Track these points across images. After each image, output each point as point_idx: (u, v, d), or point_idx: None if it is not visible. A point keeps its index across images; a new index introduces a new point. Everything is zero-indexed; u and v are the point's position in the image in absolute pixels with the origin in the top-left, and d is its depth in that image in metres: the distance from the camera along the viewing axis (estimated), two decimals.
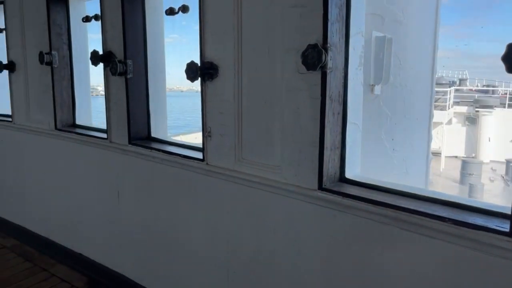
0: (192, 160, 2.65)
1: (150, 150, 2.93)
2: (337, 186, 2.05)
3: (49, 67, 3.67)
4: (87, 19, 3.52)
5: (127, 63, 2.99)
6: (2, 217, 4.51)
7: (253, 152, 2.34)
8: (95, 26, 3.63)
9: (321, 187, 2.02)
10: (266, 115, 2.25)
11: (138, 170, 3.09)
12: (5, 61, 4.09)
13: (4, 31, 4.12)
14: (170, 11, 2.81)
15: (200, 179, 2.63)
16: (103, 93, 3.24)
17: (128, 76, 3.01)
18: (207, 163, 2.56)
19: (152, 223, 3.07)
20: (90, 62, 3.51)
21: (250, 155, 2.35)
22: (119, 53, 3.04)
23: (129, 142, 3.08)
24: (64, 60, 3.71)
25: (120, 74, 2.98)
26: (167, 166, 2.84)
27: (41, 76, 3.80)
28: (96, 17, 3.39)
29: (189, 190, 2.76)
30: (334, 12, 1.94)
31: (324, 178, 2.02)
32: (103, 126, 3.34)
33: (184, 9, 2.75)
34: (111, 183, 3.30)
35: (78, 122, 3.84)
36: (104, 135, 3.30)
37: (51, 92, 3.70)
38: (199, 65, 2.43)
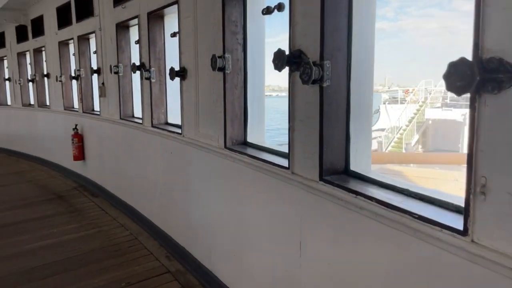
0: (438, 227, 1.55)
1: (354, 195, 1.95)
2: None
3: (221, 73, 3.07)
4: (267, 10, 2.76)
5: (324, 65, 2.08)
6: (170, 235, 4.22)
7: None
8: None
9: None
10: None
11: (333, 220, 2.15)
12: (177, 68, 3.71)
13: (177, 35, 3.75)
14: None
15: (457, 266, 1.52)
16: None
17: (325, 85, 2.09)
18: (472, 240, 1.43)
19: None
20: (265, 65, 2.84)
21: None
22: (312, 52, 2.16)
23: (321, 178, 2.17)
24: (237, 65, 3.06)
25: (314, 82, 2.09)
26: (385, 226, 1.81)
27: (211, 83, 3.25)
28: (279, 7, 2.60)
29: (428, 276, 1.66)
30: None
31: None
32: None
33: None
34: (291, 227, 2.46)
35: (249, 139, 3.16)
36: (285, 162, 2.48)
37: (222, 102, 3.10)
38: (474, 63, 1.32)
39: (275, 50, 2.31)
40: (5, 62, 9.82)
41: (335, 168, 2.20)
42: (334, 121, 2.16)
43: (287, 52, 2.28)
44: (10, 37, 9.00)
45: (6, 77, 9.72)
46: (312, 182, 2.22)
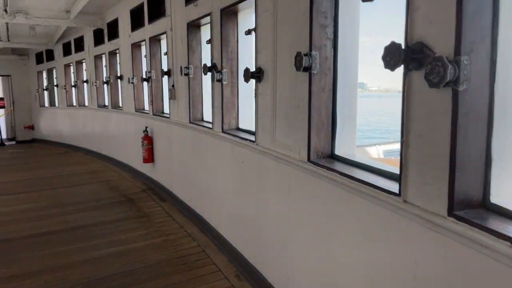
0: None
1: (510, 244, 1.39)
2: None
3: (306, 74, 2.62)
4: None
5: (461, 62, 1.53)
6: (240, 251, 3.86)
7: None
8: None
9: None
10: None
11: (470, 272, 1.59)
12: (252, 69, 3.33)
13: (253, 31, 3.37)
14: None
15: None
16: None
17: (460, 88, 1.55)
18: None
19: None
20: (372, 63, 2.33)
21: None
22: (441, 46, 1.62)
23: (450, 212, 1.62)
24: (326, 64, 2.59)
25: (446, 84, 1.55)
26: None
27: (293, 86, 2.81)
28: None
29: None
30: None
31: None
32: None
33: None
34: (400, 270, 1.93)
35: (337, 152, 2.67)
36: (392, 186, 1.96)
37: (306, 108, 2.65)
38: None
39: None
40: (84, 65, 10.26)
41: (469, 200, 1.65)
42: (471, 136, 1.61)
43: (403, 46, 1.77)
44: (88, 40, 9.35)
45: (84, 79, 10.15)
46: (436, 216, 1.68)
